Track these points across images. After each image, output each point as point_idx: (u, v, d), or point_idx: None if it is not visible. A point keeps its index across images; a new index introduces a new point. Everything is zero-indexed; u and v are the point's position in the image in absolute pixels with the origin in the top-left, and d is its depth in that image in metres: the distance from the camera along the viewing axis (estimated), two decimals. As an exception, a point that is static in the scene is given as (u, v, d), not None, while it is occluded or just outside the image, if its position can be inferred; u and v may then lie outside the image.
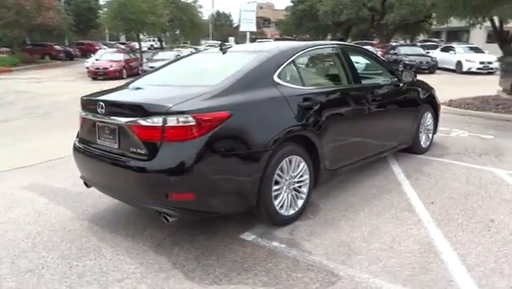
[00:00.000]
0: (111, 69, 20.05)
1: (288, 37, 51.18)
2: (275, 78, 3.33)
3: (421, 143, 5.40)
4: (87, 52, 34.68)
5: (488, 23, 26.00)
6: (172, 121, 2.70)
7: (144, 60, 23.12)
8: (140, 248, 3.13)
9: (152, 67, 20.88)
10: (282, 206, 3.30)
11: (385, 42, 27.88)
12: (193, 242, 3.19)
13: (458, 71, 19.53)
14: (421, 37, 40.18)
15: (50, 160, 5.97)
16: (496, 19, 13.38)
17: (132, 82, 3.87)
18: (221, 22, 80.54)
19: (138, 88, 3.59)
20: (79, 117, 3.62)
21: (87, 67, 22.77)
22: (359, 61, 4.75)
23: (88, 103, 3.40)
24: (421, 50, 21.28)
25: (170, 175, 2.73)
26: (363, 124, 4.15)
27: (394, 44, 25.25)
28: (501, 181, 4.47)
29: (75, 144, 3.61)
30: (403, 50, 20.78)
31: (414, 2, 23.28)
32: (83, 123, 3.47)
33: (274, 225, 3.36)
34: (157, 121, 2.74)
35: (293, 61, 3.55)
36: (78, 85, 18.09)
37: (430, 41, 33.09)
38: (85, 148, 3.42)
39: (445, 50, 21.55)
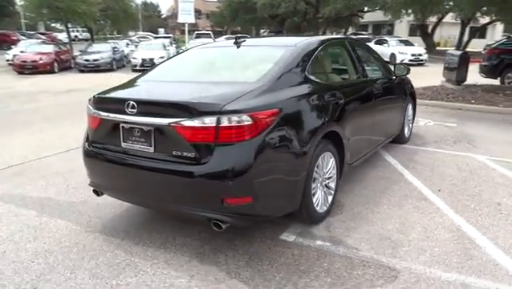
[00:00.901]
0: (41, 62, 18.34)
1: (220, 29, 50.74)
2: (306, 73, 3.26)
3: (405, 133, 5.67)
4: (2, 43, 31.39)
5: (411, 17, 28.01)
6: (226, 121, 2.52)
7: (77, 52, 21.44)
8: (181, 258, 2.90)
9: (87, 60, 19.52)
10: (317, 204, 3.26)
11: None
12: (235, 247, 3.04)
13: (392, 63, 20.81)
14: (350, 30, 42.20)
15: (11, 167, 5.31)
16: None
17: (147, 76, 3.55)
18: (149, 12, 77.49)
19: (165, 85, 3.28)
20: (89, 117, 3.23)
21: (8, 60, 20.70)
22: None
23: (109, 102, 3.06)
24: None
25: (227, 179, 2.54)
26: (371, 116, 4.24)
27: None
28: (485, 166, 4.85)
29: (85, 148, 3.23)
30: (342, 43, 21.61)
31: (348, -4, 24.34)
32: (98, 124, 3.10)
33: (311, 223, 3.31)
34: (209, 122, 2.53)
35: (317, 55, 3.49)
36: (2, 80, 16.32)
37: (360, 34, 34.87)
38: (102, 153, 3.08)
39: (379, 43, 22.80)
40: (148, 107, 2.80)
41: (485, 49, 14.70)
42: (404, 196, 3.97)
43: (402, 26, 37.38)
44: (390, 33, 39.35)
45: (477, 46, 29.94)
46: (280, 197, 2.86)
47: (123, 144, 2.93)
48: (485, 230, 3.28)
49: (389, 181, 4.37)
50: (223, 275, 2.69)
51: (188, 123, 2.57)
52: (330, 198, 3.47)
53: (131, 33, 48.54)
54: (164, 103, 2.82)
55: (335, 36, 4.31)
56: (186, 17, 26.74)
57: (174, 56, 3.94)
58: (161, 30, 65.14)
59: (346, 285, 2.58)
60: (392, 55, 20.97)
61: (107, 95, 3.16)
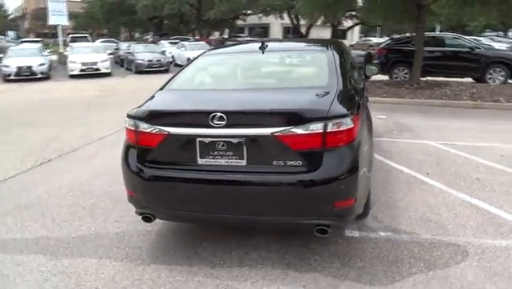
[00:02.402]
0: None
1: (84, 32, 46.93)
2: (349, 76, 3.42)
3: (365, 127, 6.26)
4: None
5: (284, 20, 30.15)
6: (332, 126, 2.55)
7: None
8: (276, 272, 2.83)
9: None
10: (369, 198, 3.48)
11: (206, 38, 29.04)
12: (315, 251, 3.06)
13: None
14: (226, 32, 43.39)
15: None
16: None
17: (182, 85, 3.31)
18: (-9, 11, 67.09)
19: (238, 93, 3.06)
20: (139, 135, 2.85)
21: None
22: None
23: (180, 116, 2.80)
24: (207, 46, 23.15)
25: (340, 183, 2.57)
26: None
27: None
28: (441, 150, 5.70)
29: (139, 170, 2.84)
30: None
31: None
32: (159, 141, 2.76)
33: (363, 217, 3.49)
34: (316, 128, 2.52)
35: (346, 57, 3.68)
36: None
37: (238, 36, 36.20)
38: (168, 173, 2.78)
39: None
40: (239, 117, 2.65)
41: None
42: (407, 182, 4.45)
43: (276, 28, 40.02)
44: (265, 35, 41.66)
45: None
46: (365, 195, 2.99)
47: (201, 161, 2.70)
48: (488, 201, 3.92)
49: (384, 171, 4.82)
50: (332, 280, 2.72)
51: (294, 131, 2.52)
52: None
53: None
54: (262, 112, 2.69)
55: (335, 40, 4.55)
56: (58, 18, 24.24)
57: (190, 65, 3.67)
58: (11, 33, 57.13)
59: (438, 266, 2.86)
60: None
61: (176, 108, 2.87)
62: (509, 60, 12.10)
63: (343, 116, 2.60)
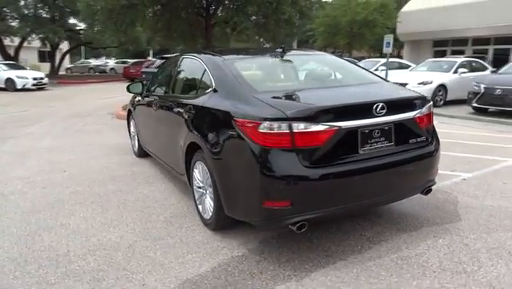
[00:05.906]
0: None
1: None
2: None
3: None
4: None
5: None
6: (430, 107, 3.31)
7: None
8: (411, 238, 3.27)
9: None
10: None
11: None
12: (409, 218, 3.66)
13: (11, 89, 18.45)
14: None
15: None
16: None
17: (263, 88, 3.24)
18: None
19: (344, 89, 3.41)
20: (298, 136, 2.67)
21: None
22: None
23: (345, 110, 2.86)
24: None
25: (439, 151, 3.35)
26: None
27: None
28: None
29: (307, 172, 2.67)
30: None
31: None
32: (327, 138, 2.72)
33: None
34: (427, 109, 3.26)
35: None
36: None
37: None
38: (335, 169, 2.78)
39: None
40: (394, 105, 3.00)
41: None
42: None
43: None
44: None
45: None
46: None
47: (362, 150, 2.86)
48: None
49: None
50: (448, 233, 3.38)
51: (422, 112, 3.16)
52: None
53: None
54: (407, 99, 3.23)
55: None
56: None
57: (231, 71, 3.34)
58: None
59: (463, 195, 4.04)
60: (9, 80, 18.56)
61: (342, 103, 2.91)
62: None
63: (430, 100, 3.38)
